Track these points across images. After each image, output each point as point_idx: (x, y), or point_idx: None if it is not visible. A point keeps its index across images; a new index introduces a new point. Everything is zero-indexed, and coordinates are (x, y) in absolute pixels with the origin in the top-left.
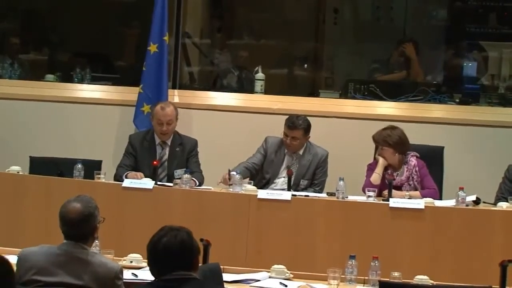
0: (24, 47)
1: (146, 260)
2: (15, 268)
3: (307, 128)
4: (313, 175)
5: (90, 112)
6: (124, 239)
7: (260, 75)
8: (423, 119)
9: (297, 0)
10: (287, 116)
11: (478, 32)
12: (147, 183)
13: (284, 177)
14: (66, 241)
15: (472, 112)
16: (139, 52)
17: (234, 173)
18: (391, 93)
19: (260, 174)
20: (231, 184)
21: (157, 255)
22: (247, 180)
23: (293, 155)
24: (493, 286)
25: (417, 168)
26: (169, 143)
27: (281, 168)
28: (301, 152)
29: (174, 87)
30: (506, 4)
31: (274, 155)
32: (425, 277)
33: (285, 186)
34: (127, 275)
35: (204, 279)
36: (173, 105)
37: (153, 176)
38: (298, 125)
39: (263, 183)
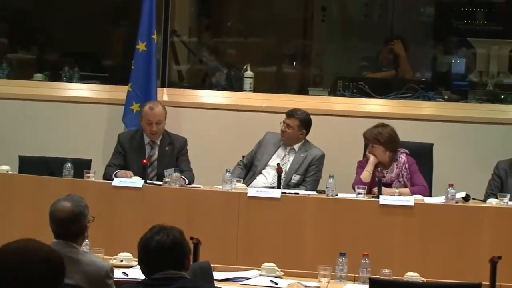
0: (12, 46)
1: (136, 259)
2: None
3: (303, 120)
4: (305, 172)
5: (79, 111)
6: (114, 238)
7: (249, 73)
8: (412, 116)
9: None
10: (276, 114)
11: (466, 29)
12: (137, 181)
13: (271, 166)
14: (56, 240)
15: (461, 109)
16: (128, 51)
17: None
18: (380, 90)
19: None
20: None
21: (149, 253)
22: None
23: (287, 148)
24: (483, 283)
25: (406, 165)
26: (158, 143)
27: (271, 157)
28: (296, 147)
29: (163, 86)
30: (493, 0)
31: (269, 145)
32: (416, 274)
33: (273, 179)
34: (118, 274)
35: (194, 278)
36: (162, 104)
37: (143, 175)
38: (295, 114)
39: (254, 172)
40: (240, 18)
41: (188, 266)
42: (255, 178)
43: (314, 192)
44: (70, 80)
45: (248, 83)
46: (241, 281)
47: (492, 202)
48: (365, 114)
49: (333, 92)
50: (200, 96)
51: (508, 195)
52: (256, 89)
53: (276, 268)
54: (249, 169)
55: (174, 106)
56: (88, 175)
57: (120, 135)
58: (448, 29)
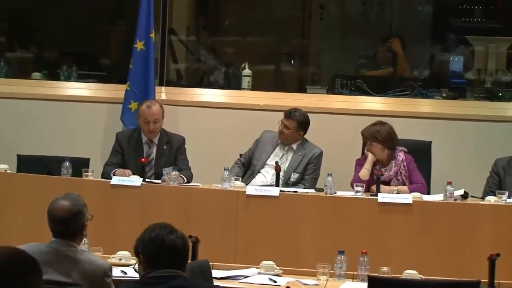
0: (11, 45)
1: (135, 258)
2: None
3: (301, 122)
4: (304, 170)
5: (77, 110)
6: (113, 236)
7: (247, 71)
8: (410, 114)
9: None
10: (274, 112)
11: (464, 27)
12: (135, 180)
13: (270, 165)
14: (54, 239)
15: (459, 107)
16: (126, 50)
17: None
18: (378, 88)
19: (251, 163)
20: None
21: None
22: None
23: (285, 147)
24: (482, 280)
25: (405, 163)
26: (156, 142)
27: (269, 156)
28: (294, 146)
29: (161, 84)
30: None
31: (266, 144)
32: (414, 271)
33: (272, 178)
34: (116, 272)
35: (193, 276)
36: (159, 103)
37: (141, 173)
38: (293, 115)
39: (252, 171)
40: (238, 16)
41: (185, 269)
42: (254, 177)
43: (313, 190)
44: (68, 79)
45: (246, 81)
46: (240, 279)
47: (491, 199)
48: (363, 112)
49: (331, 90)
50: (198, 95)
51: (507, 193)
52: (254, 87)
53: (275, 266)
54: (247, 168)
55: (173, 105)
56: (87, 173)
57: (118, 134)
58: (446, 27)
